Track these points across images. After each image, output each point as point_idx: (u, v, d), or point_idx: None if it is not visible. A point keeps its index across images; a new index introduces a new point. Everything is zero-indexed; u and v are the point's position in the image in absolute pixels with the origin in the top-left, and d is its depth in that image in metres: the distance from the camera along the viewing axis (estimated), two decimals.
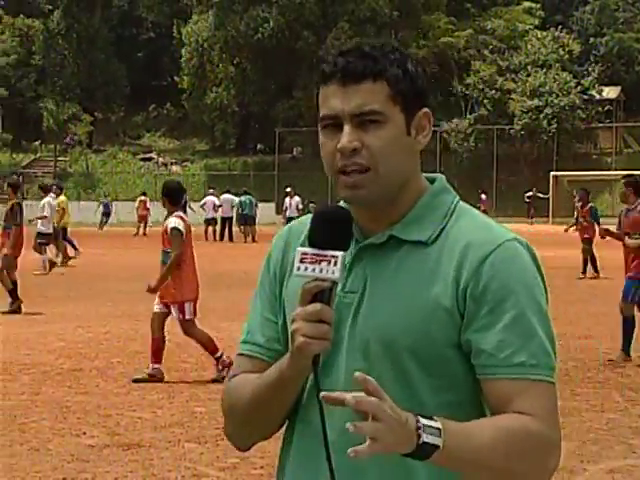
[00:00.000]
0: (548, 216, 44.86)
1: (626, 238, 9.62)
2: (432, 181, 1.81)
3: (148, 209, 38.17)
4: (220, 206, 34.11)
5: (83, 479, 5.75)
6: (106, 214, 40.92)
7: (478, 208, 1.87)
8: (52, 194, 21.18)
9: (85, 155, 58.30)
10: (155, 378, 8.53)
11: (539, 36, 52.93)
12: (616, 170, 46.27)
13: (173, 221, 8.56)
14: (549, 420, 1.62)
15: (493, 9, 57.40)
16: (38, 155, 61.62)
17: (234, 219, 34.29)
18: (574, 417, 7.35)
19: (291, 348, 1.60)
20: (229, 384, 1.80)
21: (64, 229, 22.39)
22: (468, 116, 53.26)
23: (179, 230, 8.53)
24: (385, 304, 1.68)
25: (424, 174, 1.82)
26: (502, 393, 1.63)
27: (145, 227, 36.92)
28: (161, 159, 59.53)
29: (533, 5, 56.50)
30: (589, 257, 18.86)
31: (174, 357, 9.50)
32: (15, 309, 13.41)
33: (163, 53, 64.93)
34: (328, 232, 1.61)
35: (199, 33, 56.53)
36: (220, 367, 8.55)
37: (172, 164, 59.13)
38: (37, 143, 62.14)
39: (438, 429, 1.51)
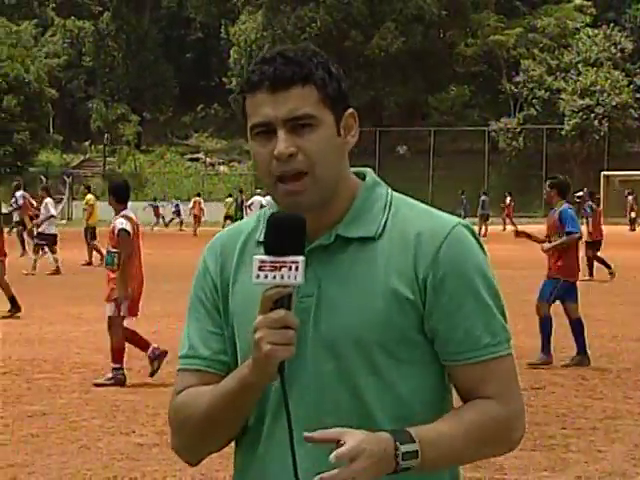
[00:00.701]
0: None
1: (544, 244, 9.65)
2: (360, 175, 1.82)
3: (202, 209, 39.66)
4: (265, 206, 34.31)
5: (133, 477, 5.78)
6: (177, 213, 42.83)
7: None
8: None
9: (133, 155, 58.87)
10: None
11: (590, 34, 52.33)
12: None
13: (121, 222, 8.66)
14: (511, 394, 1.74)
15: (543, 7, 56.88)
16: (87, 156, 62.37)
17: None
18: (627, 420, 7.23)
19: (254, 356, 1.60)
20: (177, 399, 1.78)
21: (93, 229, 21.87)
22: (517, 115, 52.82)
23: (127, 231, 8.65)
24: (346, 303, 1.70)
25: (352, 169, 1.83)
26: (471, 377, 1.73)
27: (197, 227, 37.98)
28: (209, 159, 59.91)
29: (585, 3, 55.83)
30: (591, 257, 18.21)
31: None
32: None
33: (211, 53, 65.34)
34: (284, 238, 1.60)
35: (247, 33, 56.80)
36: (110, 376, 8.51)
37: (219, 164, 59.48)
38: (87, 144, 62.91)
39: (416, 452, 1.61)
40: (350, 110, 1.76)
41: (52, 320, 12.79)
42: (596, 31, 52.63)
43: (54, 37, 62.97)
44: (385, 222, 1.75)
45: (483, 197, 39.97)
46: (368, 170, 1.83)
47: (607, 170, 47.12)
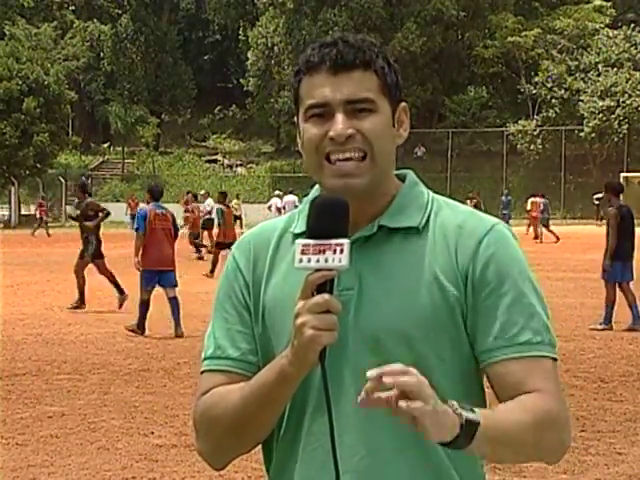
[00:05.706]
0: None
1: None
2: (400, 176, 1.81)
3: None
4: (283, 207, 34.36)
5: (151, 478, 5.80)
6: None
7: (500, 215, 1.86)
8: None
9: (152, 157, 59.04)
10: None
11: (610, 35, 52.02)
12: None
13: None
14: (558, 397, 1.65)
15: (562, 8, 56.57)
16: (106, 157, 62.61)
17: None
18: None
19: (296, 342, 1.54)
20: (203, 399, 1.72)
21: None
22: (535, 117, 52.61)
23: None
24: (389, 296, 1.66)
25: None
26: (511, 374, 1.64)
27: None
28: (226, 161, 60.00)
29: (604, 3, 55.51)
30: None
31: None
32: None
33: (229, 55, 65.44)
34: (328, 221, 1.55)
35: (268, 37, 56.76)
36: None
37: (237, 166, 59.57)
38: (105, 146, 63.15)
39: (472, 409, 1.50)
40: (403, 104, 1.75)
41: (71, 321, 12.85)
42: (616, 32, 52.31)
43: (73, 40, 63.17)
44: (428, 216, 1.72)
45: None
46: (409, 171, 1.83)
47: (627, 172, 46.82)
